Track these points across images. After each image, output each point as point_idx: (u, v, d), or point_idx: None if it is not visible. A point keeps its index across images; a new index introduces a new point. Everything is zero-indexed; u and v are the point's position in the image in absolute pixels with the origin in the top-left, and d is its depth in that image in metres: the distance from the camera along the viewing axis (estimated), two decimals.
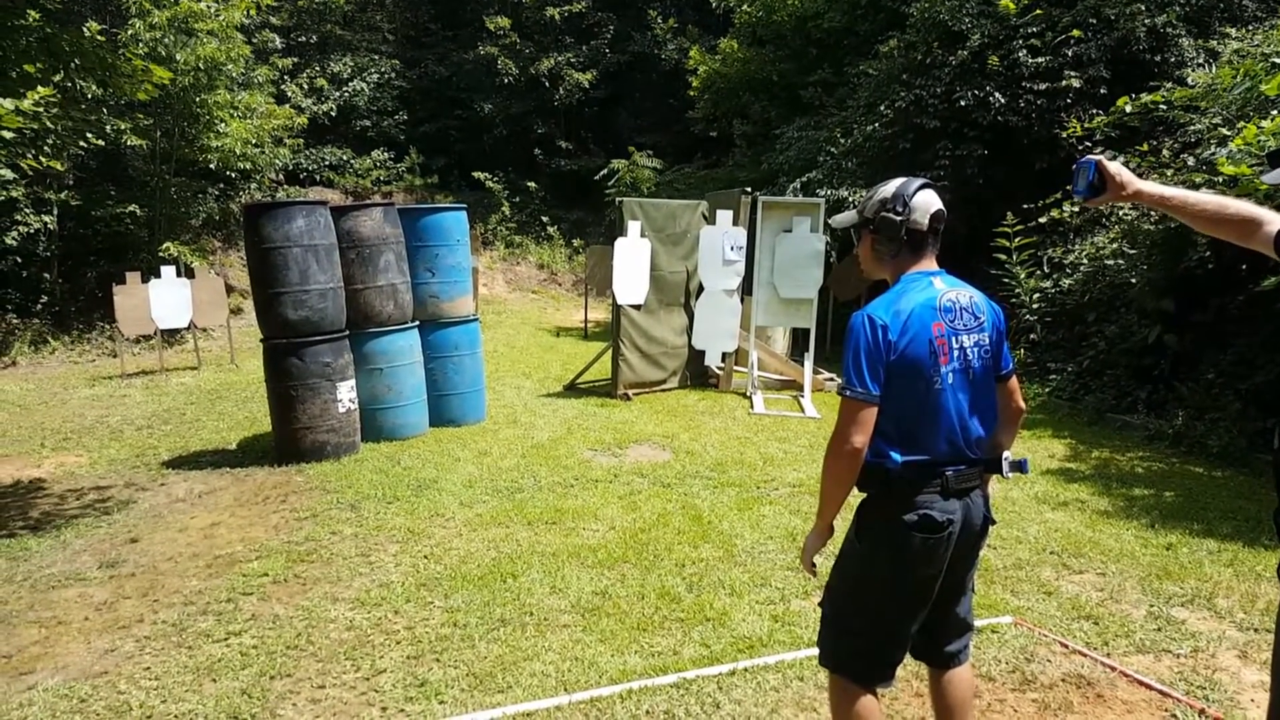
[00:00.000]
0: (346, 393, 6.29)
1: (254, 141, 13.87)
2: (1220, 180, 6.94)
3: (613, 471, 5.99)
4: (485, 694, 3.08)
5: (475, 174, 19.06)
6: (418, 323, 7.00)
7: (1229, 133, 7.10)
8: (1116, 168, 2.04)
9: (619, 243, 8.51)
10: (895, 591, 2.15)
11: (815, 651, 3.32)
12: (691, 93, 16.69)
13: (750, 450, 6.67)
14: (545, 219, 19.63)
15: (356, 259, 6.60)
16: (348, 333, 6.45)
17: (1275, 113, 6.62)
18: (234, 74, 13.88)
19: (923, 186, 2.20)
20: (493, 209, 19.34)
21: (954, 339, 2.13)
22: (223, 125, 13.45)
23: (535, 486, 5.61)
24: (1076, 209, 8.02)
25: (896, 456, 2.11)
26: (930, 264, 2.22)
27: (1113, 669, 3.29)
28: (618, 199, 9.01)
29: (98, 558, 4.56)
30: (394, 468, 6.02)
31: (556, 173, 20.12)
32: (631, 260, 8.55)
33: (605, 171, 17.44)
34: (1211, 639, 3.55)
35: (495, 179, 19.19)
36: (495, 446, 6.60)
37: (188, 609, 3.87)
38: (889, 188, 2.23)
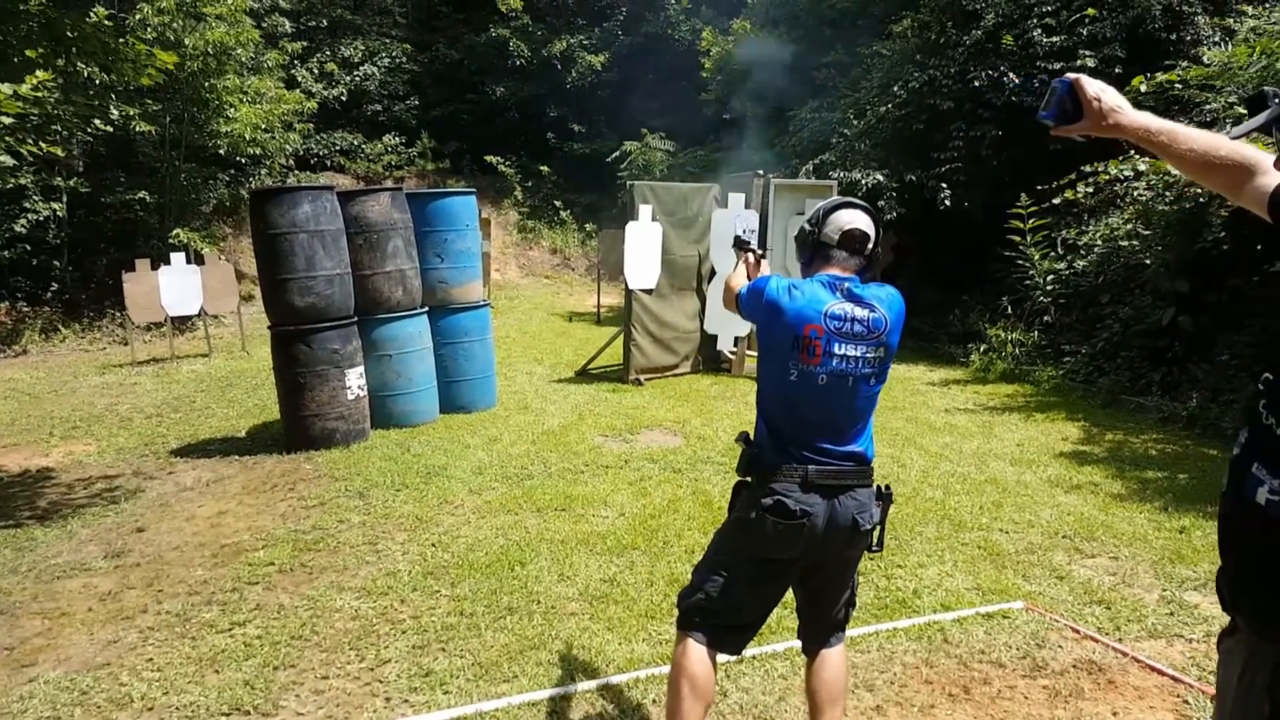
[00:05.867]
0: (355, 379, 6.27)
1: (263, 126, 13.84)
2: None
3: (623, 457, 5.95)
4: (490, 684, 3.06)
5: (487, 158, 18.98)
6: (427, 308, 6.97)
7: (1244, 112, 6.95)
8: (1098, 89, 1.62)
9: (630, 227, 8.44)
10: (744, 564, 2.30)
11: None
12: (704, 74, 16.51)
13: None
14: (558, 203, 19.53)
15: (364, 244, 6.56)
16: (356, 319, 6.42)
17: None
18: (243, 59, 13.84)
19: (844, 206, 2.40)
20: (505, 193, 19.28)
21: (834, 344, 2.22)
22: (232, 110, 13.43)
23: (545, 473, 5.58)
24: (1090, 189, 7.90)
25: (765, 436, 2.31)
26: (839, 272, 2.34)
27: (1125, 655, 3.25)
28: (629, 182, 8.94)
29: (104, 547, 4.55)
30: (403, 455, 6.00)
31: (569, 156, 19.99)
32: (643, 244, 8.48)
33: (617, 154, 17.32)
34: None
35: (507, 163, 19.11)
36: (506, 433, 6.57)
37: (192, 599, 3.86)
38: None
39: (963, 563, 4.13)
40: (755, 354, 9.27)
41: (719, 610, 2.30)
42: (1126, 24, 9.68)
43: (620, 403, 7.70)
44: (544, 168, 19.54)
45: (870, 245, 2.38)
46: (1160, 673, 3.12)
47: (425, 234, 7.02)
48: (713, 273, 8.86)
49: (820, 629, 2.45)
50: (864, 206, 2.41)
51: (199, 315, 11.15)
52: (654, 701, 2.92)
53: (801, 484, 2.21)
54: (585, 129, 20.26)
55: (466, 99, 19.87)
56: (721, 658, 2.48)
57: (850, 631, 3.35)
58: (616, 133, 19.06)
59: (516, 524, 4.65)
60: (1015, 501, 5.06)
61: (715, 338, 9.13)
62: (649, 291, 8.63)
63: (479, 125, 19.73)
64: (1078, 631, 3.44)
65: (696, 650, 2.28)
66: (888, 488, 2.38)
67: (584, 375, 8.98)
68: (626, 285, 8.59)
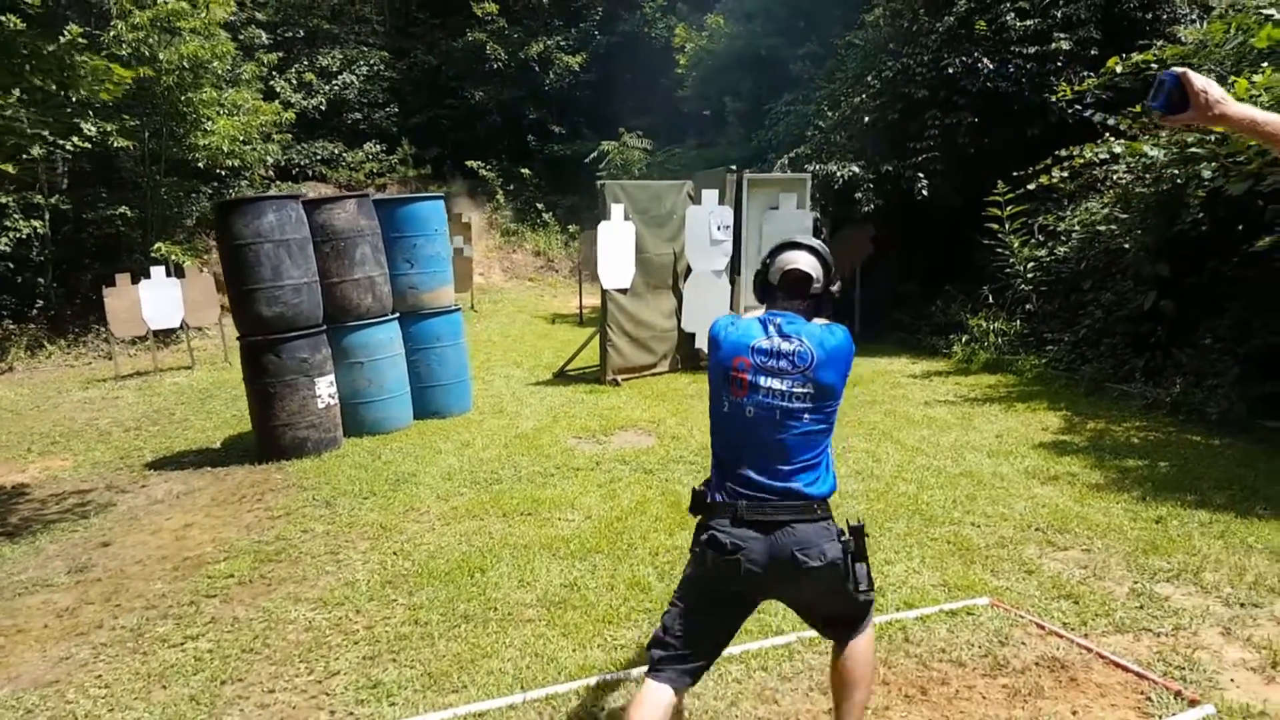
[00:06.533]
0: (326, 388, 6.21)
1: (241, 138, 13.77)
2: (1211, 139, 6.75)
3: (594, 459, 5.89)
4: (439, 694, 3.00)
5: (468, 163, 18.91)
6: (398, 314, 6.91)
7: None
8: (1204, 83, 1.73)
9: (602, 226, 8.39)
10: (695, 595, 2.34)
11: (779, 641, 3.27)
12: (679, 71, 16.44)
13: None
14: (540, 206, 19.46)
15: (331, 252, 6.50)
16: (325, 327, 6.36)
17: (1266, 66, 6.42)
18: (220, 71, 13.79)
19: (790, 246, 2.45)
20: (488, 197, 19.21)
21: (759, 378, 2.28)
22: (209, 123, 13.37)
23: (515, 477, 5.52)
24: (1065, 173, 7.83)
25: (713, 468, 2.38)
26: (779, 309, 2.39)
27: (1088, 650, 3.18)
28: (599, 182, 8.87)
29: (68, 563, 4.52)
30: (374, 462, 5.95)
31: (550, 158, 19.92)
32: (616, 244, 8.42)
33: (595, 154, 17.24)
34: (1195, 615, 3.43)
35: (489, 167, 19.05)
36: (478, 437, 6.51)
37: (148, 613, 3.82)
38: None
39: (930, 559, 4.07)
40: None
41: (672, 641, 2.30)
42: (1101, 4, 9.63)
43: (596, 404, 7.63)
44: (525, 170, 19.47)
45: (813, 284, 2.40)
46: (1124, 669, 3.05)
47: (394, 240, 6.95)
48: (688, 270, 8.78)
49: (829, 634, 2.49)
50: (809, 245, 2.44)
51: (181, 328, 11.10)
52: (603, 710, 2.86)
53: (732, 519, 2.25)
54: (565, 130, 20.18)
55: (446, 104, 19.80)
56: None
57: (807, 633, 3.31)
58: (597, 133, 18.98)
59: (481, 530, 4.59)
60: (989, 494, 4.99)
61: (693, 336, 9.04)
62: (624, 291, 8.57)
63: (459, 130, 19.66)
64: (1042, 627, 3.37)
65: (652, 694, 2.24)
66: (859, 523, 2.34)
67: (562, 377, 8.91)
68: (601, 285, 8.53)
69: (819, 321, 2.38)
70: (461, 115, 19.80)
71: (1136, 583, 3.76)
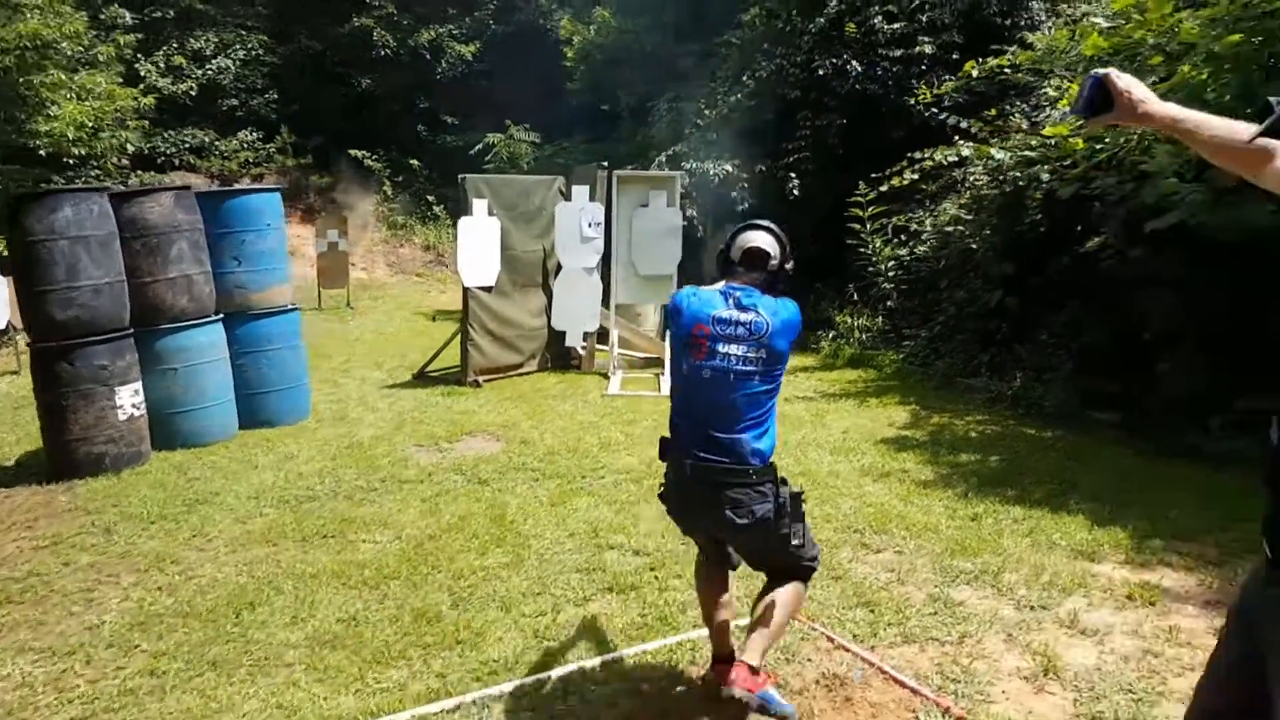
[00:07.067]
0: (129, 397, 5.70)
1: (90, 125, 12.80)
2: (1052, 142, 6.87)
3: (428, 470, 5.58)
4: None
5: (354, 152, 18.16)
6: (222, 316, 6.45)
7: (1056, 94, 7.03)
8: (1128, 83, 1.73)
9: (463, 222, 8.08)
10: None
11: (558, 672, 3.07)
12: (567, 64, 16.16)
13: (590, 436, 6.36)
14: (431, 198, 18.82)
15: (143, 249, 6.00)
16: (131, 331, 5.85)
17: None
18: (70, 52, 12.82)
19: (750, 228, 2.83)
20: (374, 189, 18.53)
21: (717, 344, 2.59)
22: (55, 108, 12.39)
23: (331, 493, 5.14)
24: (916, 175, 7.89)
25: (672, 424, 2.74)
26: (738, 282, 2.71)
27: (870, 665, 3.08)
28: (460, 176, 8.53)
29: None
30: (178, 480, 5.44)
31: (442, 149, 19.24)
32: (478, 240, 8.12)
33: (480, 146, 16.77)
34: (984, 622, 3.38)
35: (376, 158, 18.34)
36: (305, 449, 6.07)
37: None
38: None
39: (740, 569, 3.93)
40: (603, 349, 9.05)
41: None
42: (963, 9, 9.80)
43: (450, 407, 7.32)
44: (414, 161, 18.81)
45: (770, 260, 2.73)
46: (901, 684, 2.96)
47: (220, 236, 6.49)
48: (559, 267, 8.53)
49: (768, 576, 2.87)
50: (767, 227, 2.80)
51: (6, 331, 10.20)
52: None
53: (678, 474, 2.67)
54: (458, 121, 19.60)
55: (331, 92, 18.96)
56: None
57: (590, 662, 3.14)
58: (490, 125, 18.49)
59: (269, 557, 4.20)
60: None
61: (564, 334, 8.81)
62: (488, 289, 8.28)
63: (345, 119, 18.80)
64: (832, 640, 3.27)
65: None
66: (799, 490, 2.65)
67: (422, 378, 8.54)
68: (462, 283, 8.23)
69: (773, 296, 2.68)
70: (348, 103, 18.96)
71: (937, 587, 3.72)
